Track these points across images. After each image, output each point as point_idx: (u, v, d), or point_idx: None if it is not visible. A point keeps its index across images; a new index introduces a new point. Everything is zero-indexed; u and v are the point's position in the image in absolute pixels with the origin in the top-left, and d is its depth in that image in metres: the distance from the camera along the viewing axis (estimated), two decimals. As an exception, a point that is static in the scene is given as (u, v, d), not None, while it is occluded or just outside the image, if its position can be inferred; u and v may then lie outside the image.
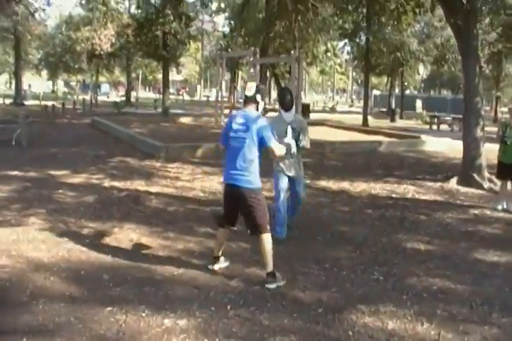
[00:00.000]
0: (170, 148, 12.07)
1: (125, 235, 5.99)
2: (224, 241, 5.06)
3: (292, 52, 22.06)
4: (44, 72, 60.18)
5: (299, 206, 6.46)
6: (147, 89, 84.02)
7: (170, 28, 26.33)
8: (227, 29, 48.08)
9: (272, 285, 4.58)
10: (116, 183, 8.82)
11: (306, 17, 27.20)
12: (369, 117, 26.64)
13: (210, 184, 9.04)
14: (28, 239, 5.75)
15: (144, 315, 3.98)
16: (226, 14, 48.00)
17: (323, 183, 9.55)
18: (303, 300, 4.36)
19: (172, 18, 26.29)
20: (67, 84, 70.05)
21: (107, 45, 35.10)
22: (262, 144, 4.65)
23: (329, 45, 44.25)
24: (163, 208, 7.32)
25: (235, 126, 4.69)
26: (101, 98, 45.09)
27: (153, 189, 8.45)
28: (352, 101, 66.72)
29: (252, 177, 4.70)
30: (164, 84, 28.37)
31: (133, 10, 34.53)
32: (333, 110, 41.75)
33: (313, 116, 28.51)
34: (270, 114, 27.88)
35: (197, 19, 36.52)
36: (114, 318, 3.91)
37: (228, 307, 4.15)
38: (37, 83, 65.34)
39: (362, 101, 33.76)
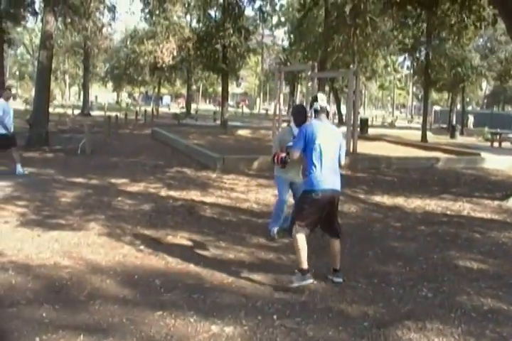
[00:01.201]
0: (226, 159, 12.29)
1: (178, 243, 6.18)
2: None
3: (351, 66, 22.10)
4: (109, 84, 62.37)
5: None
6: (207, 101, 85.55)
7: (229, 42, 26.84)
8: (286, 43, 48.62)
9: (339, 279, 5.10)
10: (172, 193, 9.08)
11: (365, 31, 27.19)
12: (428, 133, 26.21)
13: (264, 196, 9.18)
14: (88, 242, 6.02)
15: (192, 320, 4.10)
16: (286, 28, 48.48)
17: (377, 198, 9.51)
18: (349, 313, 4.38)
19: (232, 31, 26.80)
20: (130, 95, 72.30)
21: (169, 58, 36.11)
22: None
23: (389, 60, 43.94)
24: (217, 218, 7.49)
25: (326, 135, 5.01)
26: (162, 109, 46.24)
27: (208, 199, 8.65)
28: (411, 117, 65.71)
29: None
30: (223, 96, 28.86)
31: (194, 24, 35.43)
32: (392, 125, 41.31)
33: (371, 131, 28.33)
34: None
35: (257, 33, 37.08)
36: (163, 322, 4.05)
37: (274, 317, 4.22)
38: (103, 95, 67.71)
39: (422, 117, 33.27)
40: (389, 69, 47.49)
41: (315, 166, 4.94)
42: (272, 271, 5.34)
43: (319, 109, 5.08)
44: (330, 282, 5.06)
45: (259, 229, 6.96)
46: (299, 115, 6.15)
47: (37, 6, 23.62)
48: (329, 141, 5.02)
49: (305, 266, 4.88)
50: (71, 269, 5.14)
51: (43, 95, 15.83)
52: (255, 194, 9.35)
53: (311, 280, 4.89)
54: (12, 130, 10.57)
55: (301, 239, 4.94)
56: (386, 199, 9.45)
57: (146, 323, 4.02)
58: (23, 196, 8.45)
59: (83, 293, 4.55)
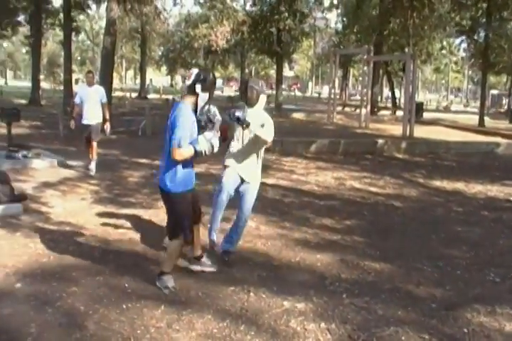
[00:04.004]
0: (284, 142, 12.42)
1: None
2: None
3: (406, 49, 21.71)
4: (163, 68, 63.23)
5: (238, 229, 5.12)
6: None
7: (284, 25, 26.71)
8: (339, 26, 47.93)
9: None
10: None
11: (422, 14, 26.54)
12: (486, 118, 25.53)
13: (324, 179, 9.30)
14: (158, 220, 6.29)
15: (264, 296, 4.28)
16: (339, 11, 47.74)
17: (437, 183, 9.49)
18: (417, 294, 4.47)
19: (287, 14, 26.65)
20: (184, 78, 73.04)
21: (223, 42, 36.18)
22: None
23: (445, 43, 42.82)
24: (279, 199, 7.66)
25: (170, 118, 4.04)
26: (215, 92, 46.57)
27: (269, 181, 8.82)
28: (467, 101, 63.96)
29: (171, 177, 4.05)
30: (277, 80, 28.88)
31: (248, 7, 35.34)
32: (447, 109, 40.36)
33: (426, 115, 27.80)
34: (382, 113, 27.69)
35: (310, 16, 36.71)
36: (237, 297, 4.25)
37: (344, 295, 4.35)
38: (157, 78, 68.73)
39: (478, 101, 32.38)
40: (444, 52, 46.27)
41: None
42: (338, 251, 5.47)
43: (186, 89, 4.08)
44: (396, 264, 5.15)
45: (322, 210, 7.11)
46: (247, 93, 4.82)
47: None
48: None
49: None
50: (146, 244, 5.42)
51: (107, 79, 16.35)
52: (315, 176, 9.48)
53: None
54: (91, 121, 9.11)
55: None
56: (446, 184, 9.41)
57: (221, 297, 4.23)
58: (94, 175, 8.87)
59: (159, 268, 4.80)
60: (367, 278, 4.79)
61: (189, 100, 4.02)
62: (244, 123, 4.50)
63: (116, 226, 5.98)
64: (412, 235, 6.19)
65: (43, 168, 9.41)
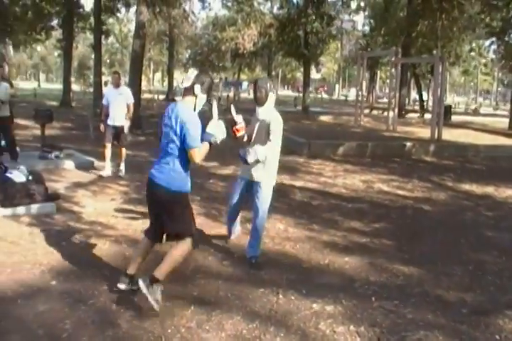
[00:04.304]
0: (312, 144, 12.43)
1: (272, 224, 6.39)
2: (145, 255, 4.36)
3: (434, 51, 21.50)
4: (190, 70, 63.59)
5: (256, 232, 5.14)
6: (285, 87, 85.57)
7: (311, 28, 26.70)
8: (366, 28, 47.73)
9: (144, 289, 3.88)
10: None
11: (451, 15, 26.26)
12: (516, 121, 25.10)
13: (352, 182, 9.29)
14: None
15: (293, 298, 4.30)
16: (366, 13, 47.55)
17: (466, 187, 9.40)
18: (447, 299, 4.44)
19: (314, 17, 26.64)
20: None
21: (250, 45, 36.41)
22: (185, 146, 3.89)
23: (474, 44, 42.31)
24: (308, 202, 7.68)
25: (166, 121, 4.01)
26: (242, 95, 46.73)
27: (298, 183, 8.84)
28: (497, 104, 62.97)
29: (181, 178, 4.03)
30: (305, 82, 28.85)
31: (275, 10, 35.42)
32: (476, 112, 39.79)
33: (454, 118, 27.48)
34: (410, 115, 27.45)
35: (337, 18, 36.63)
36: (266, 298, 4.28)
37: (373, 298, 4.35)
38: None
39: (508, 104, 31.86)
40: (473, 53, 45.71)
41: None
42: (366, 254, 5.47)
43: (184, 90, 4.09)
44: (425, 267, 5.12)
45: (351, 213, 7.10)
46: (257, 92, 4.94)
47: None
48: None
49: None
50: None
51: (136, 82, 16.55)
52: (343, 179, 9.46)
53: None
54: (117, 123, 9.13)
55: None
56: (475, 188, 9.31)
57: (250, 299, 4.27)
58: (124, 176, 9.03)
59: (188, 269, 4.86)
60: (396, 281, 4.78)
61: (188, 101, 4.02)
62: (245, 160, 4.87)
63: (145, 227, 6.03)
64: (441, 239, 6.14)
65: (74, 168, 9.63)
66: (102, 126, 9.37)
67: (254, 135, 5.05)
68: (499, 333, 3.85)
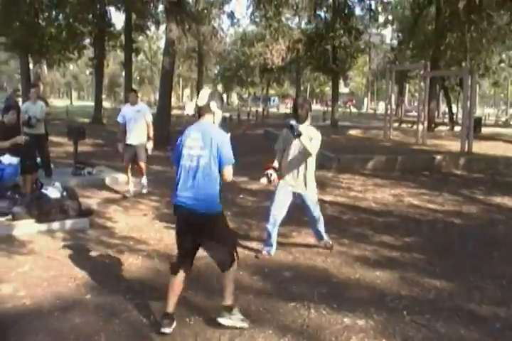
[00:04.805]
0: (342, 159, 12.42)
1: (303, 239, 6.43)
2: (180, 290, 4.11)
3: (463, 64, 21.34)
4: (219, 86, 64.37)
5: (315, 226, 5.89)
6: (314, 101, 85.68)
7: (340, 42, 26.80)
8: (395, 42, 47.60)
9: (227, 321, 4.01)
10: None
11: (480, 27, 26.07)
12: (548, 132, 24.71)
13: (381, 196, 9.25)
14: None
15: (324, 312, 4.32)
16: (394, 27, 47.49)
17: (498, 200, 9.27)
18: (479, 313, 4.39)
19: (342, 32, 26.75)
20: (239, 96, 74.15)
21: (278, 60, 36.72)
22: (221, 163, 3.91)
23: (504, 56, 41.78)
24: (338, 216, 7.68)
25: (189, 143, 3.96)
26: (271, 110, 46.99)
27: (327, 197, 8.84)
28: (529, 115, 61.88)
29: (210, 200, 3.96)
30: (333, 96, 28.90)
31: (303, 25, 35.66)
32: (506, 124, 39.21)
33: (484, 130, 27.11)
34: (439, 128, 27.20)
35: (365, 33, 36.69)
36: (297, 313, 4.30)
37: (404, 312, 4.34)
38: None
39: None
40: (503, 65, 45.11)
41: None
42: (397, 268, 5.44)
43: (198, 109, 4.14)
44: (457, 281, 5.09)
45: (381, 227, 7.08)
46: (298, 111, 5.39)
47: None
48: None
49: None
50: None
51: (166, 98, 16.86)
52: (373, 193, 9.43)
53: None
54: (134, 142, 8.82)
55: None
56: (507, 201, 9.18)
57: (282, 313, 4.29)
58: (154, 191, 9.15)
59: (220, 283, 4.80)
60: (427, 295, 4.75)
61: (207, 118, 4.04)
62: (296, 132, 5.15)
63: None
64: (472, 253, 6.08)
65: (106, 184, 9.80)
66: (120, 146, 8.98)
67: (290, 153, 5.54)
68: (533, 348, 3.82)
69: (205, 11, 25.34)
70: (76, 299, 4.47)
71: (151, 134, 8.87)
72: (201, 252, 4.19)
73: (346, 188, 9.89)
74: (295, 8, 31.59)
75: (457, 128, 23.41)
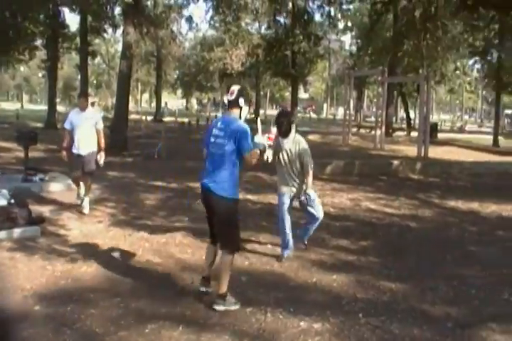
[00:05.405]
0: (299, 164, 12.46)
1: (260, 244, 6.43)
2: (212, 258, 4.73)
3: (420, 70, 21.88)
4: (179, 91, 64.02)
5: (311, 224, 6.14)
6: (274, 106, 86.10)
7: (299, 48, 27.06)
8: (354, 48, 48.37)
9: (220, 307, 4.42)
10: (250, 196, 9.36)
11: (435, 35, 26.76)
12: (500, 138, 25.49)
13: (339, 200, 9.34)
14: (175, 242, 6.39)
15: (281, 316, 4.32)
16: (353, 33, 48.25)
17: (452, 203, 9.49)
18: (432, 313, 4.48)
19: (301, 37, 27.01)
20: (199, 101, 73.91)
21: (238, 65, 36.69)
22: (240, 152, 4.37)
23: (458, 63, 42.96)
24: (296, 221, 7.58)
25: (215, 132, 4.46)
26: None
27: (286, 202, 8.85)
28: (481, 121, 63.73)
29: (226, 185, 4.44)
30: (292, 102, 29.12)
31: (263, 31, 35.89)
32: (461, 130, 40.30)
33: (440, 135, 27.80)
34: (397, 134, 27.71)
35: (324, 38, 37.14)
36: (254, 318, 4.29)
37: (360, 315, 4.38)
38: (172, 101, 69.49)
39: (492, 121, 32.35)
40: (458, 72, 46.37)
41: None
42: (353, 271, 5.50)
43: (228, 103, 4.56)
44: (411, 283, 5.17)
45: (338, 231, 7.15)
46: (282, 126, 5.69)
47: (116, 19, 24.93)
48: None
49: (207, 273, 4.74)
50: (162, 267, 5.49)
51: (123, 103, 16.64)
52: (330, 198, 9.50)
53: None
54: (82, 151, 7.89)
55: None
56: (461, 204, 9.41)
57: (239, 318, 4.27)
58: (111, 198, 9.00)
59: (176, 289, 4.87)
60: (382, 297, 4.81)
61: (235, 112, 4.47)
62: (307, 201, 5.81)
63: (133, 249, 6.06)
64: (426, 255, 6.20)
65: (59, 191, 9.46)
66: (64, 154, 8.00)
67: (285, 161, 5.88)
68: (483, 346, 3.91)
69: (164, 14, 25.05)
70: (24, 311, 4.29)
71: (103, 144, 8.01)
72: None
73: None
74: (255, 13, 31.74)
75: (414, 134, 23.89)
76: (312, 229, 6.15)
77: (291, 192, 5.94)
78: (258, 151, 4.52)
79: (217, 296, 4.45)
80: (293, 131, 5.77)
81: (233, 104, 4.46)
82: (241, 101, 4.45)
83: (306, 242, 6.30)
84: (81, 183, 8.04)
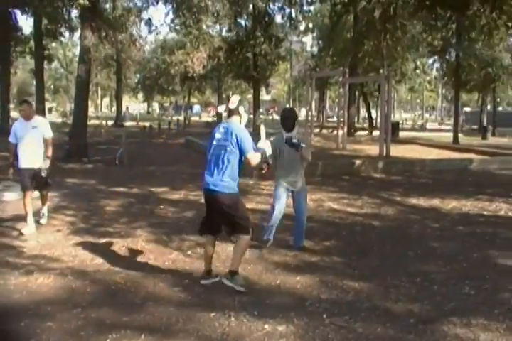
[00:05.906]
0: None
1: (223, 247, 6.33)
2: (213, 250, 5.26)
3: (381, 70, 22.18)
4: (140, 95, 63.40)
5: (300, 228, 6.53)
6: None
7: (260, 50, 27.10)
8: (315, 49, 48.71)
9: (226, 282, 4.97)
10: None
11: (395, 35, 27.19)
12: (460, 135, 26.04)
13: (302, 201, 9.34)
14: (137, 248, 6.29)
15: (245, 320, 4.29)
16: (314, 34, 48.57)
17: (413, 201, 9.62)
18: (395, 311, 4.52)
19: (262, 39, 27.06)
20: (161, 105, 73.34)
21: (199, 67, 36.57)
22: (242, 153, 4.83)
23: (418, 63, 43.70)
24: (259, 223, 7.65)
25: (217, 136, 4.95)
26: (193, 118, 46.76)
27: (249, 205, 8.72)
28: (442, 119, 65.02)
29: (228, 183, 4.88)
30: (255, 104, 29.12)
31: (224, 33, 35.81)
32: (422, 128, 41.02)
33: (402, 134, 28.23)
34: (359, 133, 28.00)
35: (285, 40, 37.30)
36: (218, 322, 4.25)
37: (324, 315, 4.38)
38: (133, 105, 68.79)
39: (452, 119, 33.06)
40: (418, 71, 47.20)
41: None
42: (317, 272, 5.51)
43: (229, 111, 5.10)
44: (374, 282, 5.20)
45: (307, 233, 7.13)
46: (286, 122, 6.16)
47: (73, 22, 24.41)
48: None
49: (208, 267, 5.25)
50: (124, 274, 5.39)
51: (82, 108, 16.33)
52: (293, 199, 9.50)
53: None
54: (32, 164, 7.15)
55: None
56: (422, 201, 9.54)
57: (202, 323, 4.22)
58: (70, 206, 8.81)
59: (138, 296, 4.79)
60: (346, 297, 4.83)
61: (235, 119, 4.97)
62: (298, 147, 5.81)
63: (93, 257, 5.94)
64: (389, 253, 6.26)
65: (14, 200, 9.08)
66: (11, 171, 7.29)
67: (285, 157, 6.15)
68: (443, 339, 3.98)
69: (123, 17, 24.71)
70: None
71: (50, 153, 7.22)
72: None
73: (268, 195, 9.88)
74: (215, 15, 31.64)
75: (376, 133, 24.16)
76: (303, 223, 6.48)
77: (289, 186, 6.28)
78: (259, 154, 4.92)
79: (228, 272, 4.98)
80: (296, 126, 6.15)
81: (234, 111, 4.99)
82: (241, 109, 4.97)
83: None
84: (28, 204, 7.17)
